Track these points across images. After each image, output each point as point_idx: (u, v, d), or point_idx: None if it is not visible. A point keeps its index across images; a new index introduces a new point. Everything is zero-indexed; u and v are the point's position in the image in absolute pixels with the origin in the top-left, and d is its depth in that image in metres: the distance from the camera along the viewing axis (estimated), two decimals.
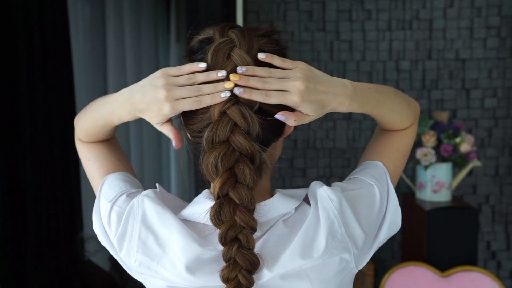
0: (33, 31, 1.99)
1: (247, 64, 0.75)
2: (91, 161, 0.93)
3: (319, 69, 0.79)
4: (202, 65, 0.75)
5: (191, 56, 0.81)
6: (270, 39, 0.80)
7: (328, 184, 0.84)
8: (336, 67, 2.59)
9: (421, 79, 2.61)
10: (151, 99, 0.75)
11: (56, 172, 2.14)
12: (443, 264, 2.12)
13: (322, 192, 0.79)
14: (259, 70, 0.74)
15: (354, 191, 0.82)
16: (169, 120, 0.79)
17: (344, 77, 2.58)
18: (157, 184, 0.85)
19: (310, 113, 0.76)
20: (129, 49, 2.55)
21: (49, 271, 2.11)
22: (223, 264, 0.74)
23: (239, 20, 2.21)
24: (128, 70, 2.55)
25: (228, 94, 0.73)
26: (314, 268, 0.77)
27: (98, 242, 0.87)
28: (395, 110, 0.89)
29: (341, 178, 2.69)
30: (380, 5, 2.59)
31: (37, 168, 2.04)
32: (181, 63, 0.80)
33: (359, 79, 2.59)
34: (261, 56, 0.75)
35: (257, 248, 0.76)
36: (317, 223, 0.77)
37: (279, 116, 0.75)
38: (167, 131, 0.78)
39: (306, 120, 0.77)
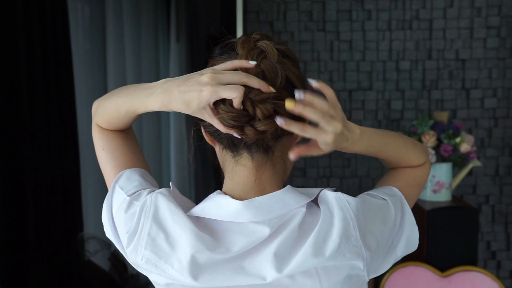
0: (33, 31, 1.99)
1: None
2: (105, 150, 0.92)
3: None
4: (253, 62, 0.76)
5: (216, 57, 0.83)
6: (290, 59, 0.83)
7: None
8: (336, 67, 2.59)
9: (421, 79, 2.61)
10: (194, 82, 0.74)
11: (56, 172, 2.14)
12: (443, 264, 2.12)
13: (339, 195, 0.80)
14: (317, 101, 0.75)
15: (369, 200, 0.83)
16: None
17: (344, 77, 2.59)
18: (170, 184, 0.85)
19: (326, 150, 0.78)
20: (129, 49, 2.55)
21: (49, 271, 2.11)
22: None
23: (239, 20, 2.21)
24: (127, 70, 2.55)
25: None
26: (325, 269, 0.76)
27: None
28: (401, 149, 0.93)
29: (341, 178, 2.70)
30: (380, 5, 2.59)
31: (37, 168, 2.04)
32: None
33: (359, 79, 2.59)
34: (314, 84, 0.76)
35: (271, 250, 0.75)
36: (331, 223, 0.77)
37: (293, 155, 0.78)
38: (209, 115, 0.76)
39: (314, 153, 0.79)
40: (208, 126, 0.80)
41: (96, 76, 2.47)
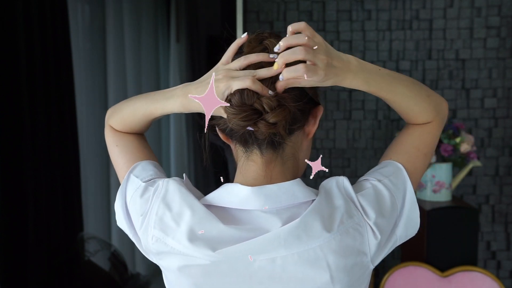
0: (33, 31, 1.99)
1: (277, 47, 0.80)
2: (119, 146, 0.96)
3: None
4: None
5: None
6: None
7: None
8: None
9: (421, 79, 2.61)
10: (209, 81, 0.79)
11: (56, 172, 2.14)
12: (443, 264, 2.12)
13: (340, 180, 0.83)
14: (294, 39, 0.77)
15: (365, 185, 0.85)
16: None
17: None
18: (184, 175, 0.89)
19: (320, 80, 0.77)
20: (129, 49, 2.54)
21: (49, 271, 2.11)
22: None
23: (239, 20, 2.21)
24: (127, 70, 2.55)
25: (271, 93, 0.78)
26: (335, 259, 0.77)
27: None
28: (409, 97, 0.86)
29: None
30: (380, 5, 2.59)
31: (37, 168, 2.04)
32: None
33: None
34: (290, 28, 0.78)
35: (281, 234, 0.76)
36: (331, 202, 0.80)
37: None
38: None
39: (315, 76, 0.76)
40: (222, 125, 0.84)
41: (96, 76, 2.47)
